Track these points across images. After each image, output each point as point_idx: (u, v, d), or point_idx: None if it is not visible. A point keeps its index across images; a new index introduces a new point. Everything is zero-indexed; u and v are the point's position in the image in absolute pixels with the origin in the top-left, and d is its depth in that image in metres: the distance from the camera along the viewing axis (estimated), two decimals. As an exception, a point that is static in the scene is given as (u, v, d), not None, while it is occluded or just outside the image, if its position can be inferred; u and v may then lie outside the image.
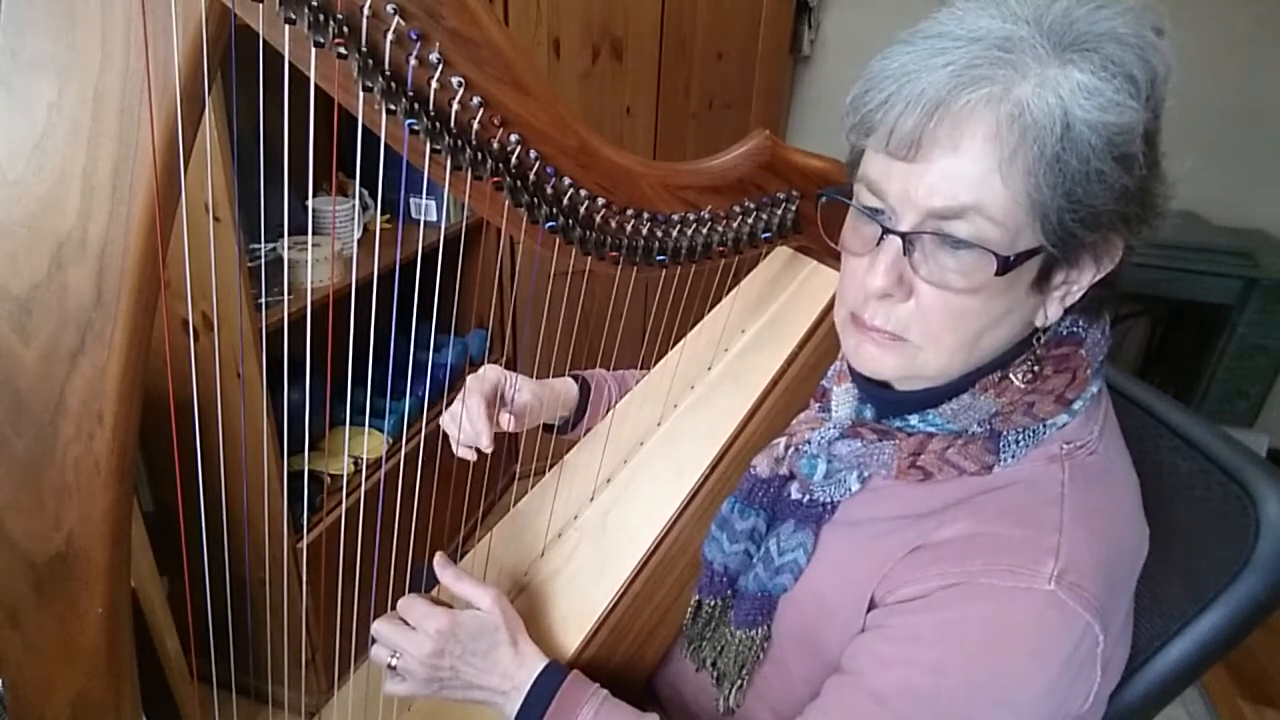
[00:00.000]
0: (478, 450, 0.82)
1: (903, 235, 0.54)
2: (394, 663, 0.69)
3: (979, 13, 0.51)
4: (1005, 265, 0.51)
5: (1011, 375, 0.59)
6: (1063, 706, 0.55)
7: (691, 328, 0.99)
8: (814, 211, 0.74)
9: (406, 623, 0.69)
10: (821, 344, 0.86)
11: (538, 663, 0.69)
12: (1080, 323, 0.60)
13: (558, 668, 0.69)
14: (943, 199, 0.51)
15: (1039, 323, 0.58)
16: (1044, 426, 0.58)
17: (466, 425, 0.81)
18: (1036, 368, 0.59)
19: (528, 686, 0.67)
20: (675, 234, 0.71)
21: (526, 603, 0.81)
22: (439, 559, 0.74)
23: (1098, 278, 0.56)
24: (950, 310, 0.55)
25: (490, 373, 0.85)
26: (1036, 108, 0.48)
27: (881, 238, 0.55)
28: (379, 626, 0.70)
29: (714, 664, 0.72)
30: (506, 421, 0.84)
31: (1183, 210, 2.34)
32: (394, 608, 0.72)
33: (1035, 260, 0.53)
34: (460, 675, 0.68)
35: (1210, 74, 2.12)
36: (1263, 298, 2.08)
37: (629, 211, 0.68)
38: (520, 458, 2.09)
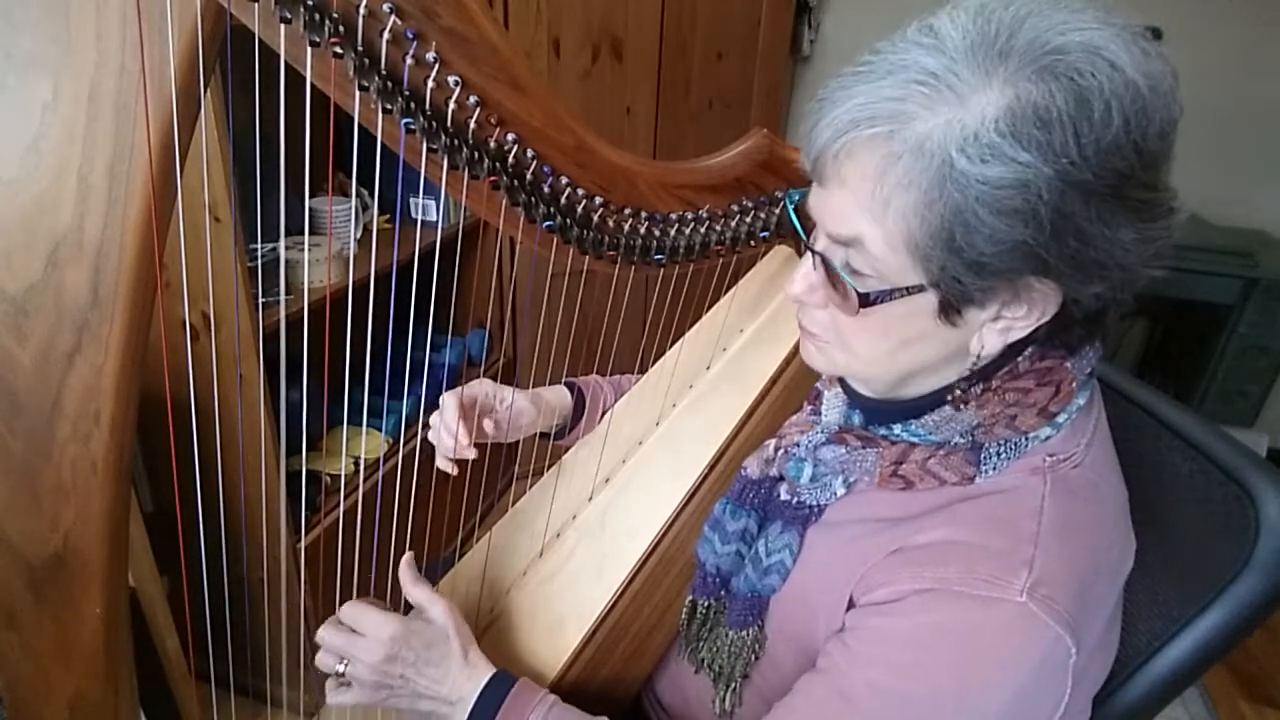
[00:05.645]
0: (459, 463, 0.81)
1: (812, 251, 0.57)
2: (342, 669, 0.68)
3: (914, 43, 0.49)
4: (864, 300, 0.53)
5: (969, 391, 0.58)
6: (1029, 716, 0.55)
7: (690, 327, 0.99)
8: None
9: (354, 631, 0.69)
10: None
11: (485, 673, 0.68)
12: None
13: (505, 676, 0.68)
14: (834, 226, 0.54)
15: (973, 349, 0.56)
16: (1026, 439, 0.58)
17: (444, 435, 0.81)
18: (980, 389, 0.58)
19: (474, 697, 0.67)
20: (673, 233, 0.71)
21: (525, 602, 0.80)
22: (406, 559, 0.73)
23: (1042, 320, 0.53)
24: (852, 326, 0.57)
25: (473, 384, 0.85)
26: (917, 152, 0.47)
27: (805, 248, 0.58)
28: (325, 634, 0.69)
29: (710, 665, 0.72)
30: (490, 427, 0.83)
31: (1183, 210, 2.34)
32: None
33: (927, 295, 0.52)
34: (410, 684, 0.68)
35: (1210, 75, 2.11)
36: (1263, 298, 2.08)
37: (626, 210, 0.68)
38: (519, 459, 2.09)
